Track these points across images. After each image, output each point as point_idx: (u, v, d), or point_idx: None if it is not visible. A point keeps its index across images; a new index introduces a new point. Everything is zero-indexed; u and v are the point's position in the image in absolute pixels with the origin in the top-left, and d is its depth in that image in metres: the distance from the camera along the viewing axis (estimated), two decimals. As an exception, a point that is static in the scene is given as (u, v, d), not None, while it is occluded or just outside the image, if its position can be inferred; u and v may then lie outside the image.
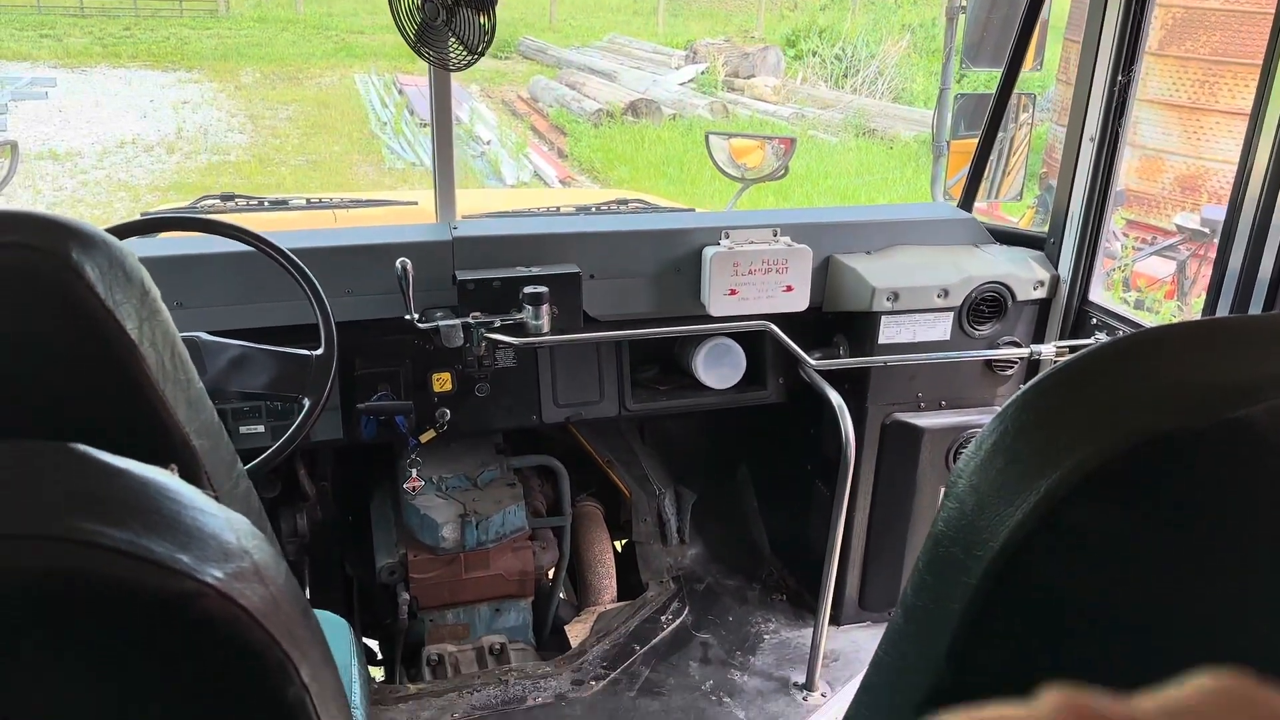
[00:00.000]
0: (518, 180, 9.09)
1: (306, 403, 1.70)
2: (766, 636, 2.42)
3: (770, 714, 2.16)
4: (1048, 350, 2.14)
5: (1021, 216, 5.33)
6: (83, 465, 0.51)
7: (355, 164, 9.78)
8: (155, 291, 0.84)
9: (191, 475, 0.86)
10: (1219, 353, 0.48)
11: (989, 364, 2.23)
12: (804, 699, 2.21)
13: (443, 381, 2.11)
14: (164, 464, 0.57)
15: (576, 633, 2.44)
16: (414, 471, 2.29)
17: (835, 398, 2.04)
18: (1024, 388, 0.51)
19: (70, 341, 0.75)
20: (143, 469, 0.52)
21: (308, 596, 2.44)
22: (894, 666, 0.56)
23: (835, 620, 2.38)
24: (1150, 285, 5.05)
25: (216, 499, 0.58)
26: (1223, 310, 1.71)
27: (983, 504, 0.49)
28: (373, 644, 2.56)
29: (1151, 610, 0.46)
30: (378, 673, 2.48)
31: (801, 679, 2.25)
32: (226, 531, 0.51)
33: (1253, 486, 0.44)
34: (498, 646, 2.31)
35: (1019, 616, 0.48)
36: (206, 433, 0.91)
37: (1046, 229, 2.28)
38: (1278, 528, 0.44)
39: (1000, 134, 2.37)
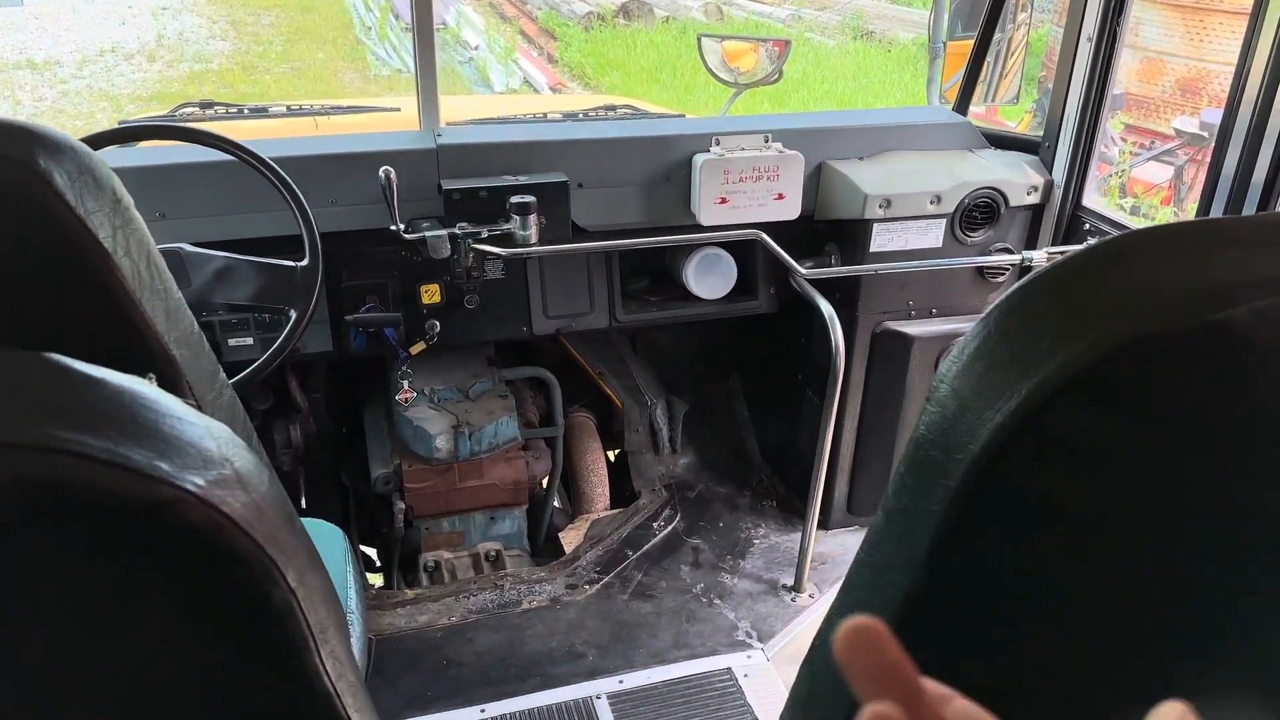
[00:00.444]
0: (507, 87, 8.90)
1: (293, 314, 1.69)
2: (756, 541, 2.46)
3: (759, 615, 2.21)
4: (1039, 256, 2.12)
5: (1019, 121, 5.25)
6: (58, 374, 0.50)
7: (340, 71, 9.56)
8: (128, 200, 0.82)
9: (172, 385, 0.86)
10: (1204, 255, 0.47)
11: (980, 271, 2.22)
12: (792, 600, 2.26)
13: (431, 293, 2.09)
14: (142, 374, 0.56)
15: (570, 539, 2.48)
16: (405, 383, 2.30)
17: (826, 307, 2.04)
18: (1007, 292, 0.51)
19: (41, 250, 0.74)
20: (119, 378, 0.51)
21: (304, 507, 2.47)
22: (874, 567, 0.57)
23: (824, 524, 2.42)
24: (1147, 191, 5.00)
25: (198, 409, 0.58)
26: (1216, 213, 1.69)
27: (964, 407, 0.49)
28: (370, 552, 2.60)
29: (1130, 512, 0.46)
30: (376, 579, 2.53)
31: (790, 581, 2.30)
32: (206, 439, 0.51)
33: (1235, 390, 0.43)
34: (493, 553, 2.35)
35: (996, 519, 0.48)
36: (186, 343, 0.90)
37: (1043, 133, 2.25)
38: (1258, 430, 0.44)
39: (997, 35, 2.31)
